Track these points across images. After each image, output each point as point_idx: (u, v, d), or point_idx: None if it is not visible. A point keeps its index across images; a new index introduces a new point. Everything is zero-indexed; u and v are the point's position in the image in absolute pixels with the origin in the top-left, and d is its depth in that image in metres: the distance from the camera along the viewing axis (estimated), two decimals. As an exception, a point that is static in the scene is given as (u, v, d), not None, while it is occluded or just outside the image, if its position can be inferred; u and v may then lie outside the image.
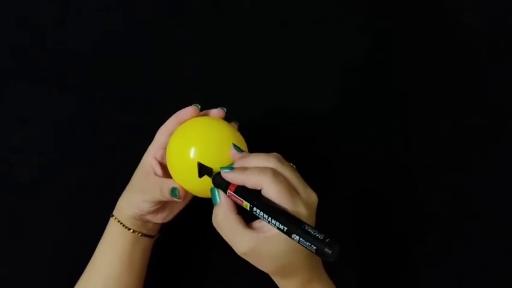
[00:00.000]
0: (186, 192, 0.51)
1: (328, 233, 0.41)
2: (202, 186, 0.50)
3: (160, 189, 0.51)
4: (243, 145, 0.51)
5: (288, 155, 0.48)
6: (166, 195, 0.51)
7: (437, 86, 0.69)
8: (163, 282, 0.63)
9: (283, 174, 0.45)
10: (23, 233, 0.64)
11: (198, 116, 0.53)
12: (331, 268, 0.51)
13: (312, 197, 0.46)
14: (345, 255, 0.53)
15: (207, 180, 0.48)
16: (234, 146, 0.49)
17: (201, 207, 0.52)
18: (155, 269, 0.60)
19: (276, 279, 0.49)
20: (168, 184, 0.51)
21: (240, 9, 0.69)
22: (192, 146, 0.50)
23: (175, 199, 0.51)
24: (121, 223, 0.54)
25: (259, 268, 0.47)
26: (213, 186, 0.47)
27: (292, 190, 0.44)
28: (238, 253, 0.45)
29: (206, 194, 0.49)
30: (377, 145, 0.68)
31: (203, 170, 0.48)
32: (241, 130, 0.53)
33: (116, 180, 0.57)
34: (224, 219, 0.45)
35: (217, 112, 0.53)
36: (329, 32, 0.69)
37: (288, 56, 0.69)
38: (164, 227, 0.58)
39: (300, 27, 0.69)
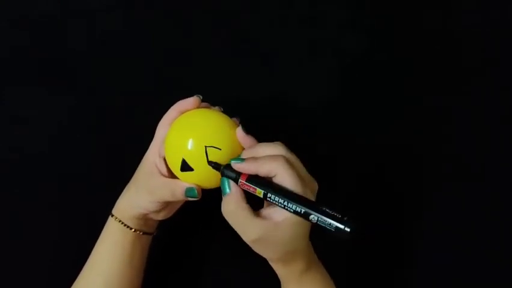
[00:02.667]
0: (201, 187, 0.51)
1: (344, 213, 0.43)
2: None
3: (171, 192, 0.50)
4: (240, 144, 0.50)
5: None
6: (179, 197, 0.50)
7: (436, 85, 0.69)
8: (161, 278, 0.63)
9: (293, 163, 0.46)
10: (23, 233, 0.64)
11: (198, 107, 0.52)
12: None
13: (315, 184, 0.48)
14: (346, 249, 0.53)
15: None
16: (242, 126, 0.49)
17: (196, 203, 0.52)
18: (154, 265, 0.60)
19: (278, 267, 0.50)
20: (181, 186, 0.50)
21: (239, 8, 0.69)
22: (195, 134, 0.49)
23: (193, 199, 0.50)
24: (122, 223, 0.54)
25: (264, 255, 0.48)
26: (221, 176, 0.48)
27: (301, 177, 0.46)
28: (247, 241, 0.46)
29: (209, 181, 0.50)
30: (376, 145, 0.67)
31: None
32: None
33: (117, 180, 0.57)
34: (235, 208, 0.46)
35: (192, 100, 0.52)
36: (328, 31, 0.69)
37: (287, 56, 0.69)
38: (161, 224, 0.58)
39: (299, 26, 0.69)
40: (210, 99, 0.55)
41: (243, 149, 0.50)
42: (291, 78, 0.68)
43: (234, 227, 0.47)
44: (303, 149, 0.64)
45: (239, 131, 0.49)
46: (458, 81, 0.69)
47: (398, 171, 0.68)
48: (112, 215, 0.54)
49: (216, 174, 0.49)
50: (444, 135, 0.68)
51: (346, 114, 0.68)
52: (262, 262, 0.63)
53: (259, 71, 0.68)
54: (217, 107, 0.54)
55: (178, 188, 0.50)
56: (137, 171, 0.54)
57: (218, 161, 0.48)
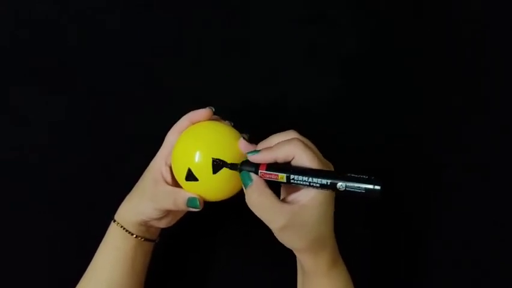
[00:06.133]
0: (204, 198, 0.51)
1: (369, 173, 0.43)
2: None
3: (173, 201, 0.50)
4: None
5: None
6: (181, 207, 0.50)
7: (437, 85, 0.69)
8: (163, 285, 0.63)
9: (308, 144, 0.47)
10: (23, 234, 0.64)
11: (210, 119, 0.52)
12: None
13: (331, 165, 0.48)
14: (353, 245, 0.53)
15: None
16: (244, 138, 0.49)
17: (200, 212, 0.52)
18: (156, 272, 0.60)
19: (306, 259, 0.49)
20: (183, 195, 0.50)
21: (239, 8, 0.69)
22: (204, 145, 0.49)
23: (195, 209, 0.51)
24: (124, 228, 0.53)
25: (291, 245, 0.47)
26: (240, 172, 0.48)
27: (318, 155, 0.47)
28: (276, 228, 0.46)
29: (217, 193, 0.50)
30: (375, 145, 0.67)
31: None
32: (242, 131, 0.53)
33: (116, 180, 0.57)
34: (260, 196, 0.46)
35: (204, 112, 0.52)
36: (328, 31, 0.69)
37: (287, 55, 0.69)
38: (164, 231, 0.58)
39: (299, 26, 0.69)
40: (209, 100, 0.55)
41: None
42: (291, 79, 0.68)
43: (261, 216, 0.46)
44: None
45: (241, 141, 0.49)
46: (459, 82, 0.69)
47: (398, 171, 0.68)
48: (114, 221, 0.54)
49: (219, 187, 0.50)
50: (445, 135, 0.68)
51: (346, 114, 0.68)
52: (265, 267, 0.63)
53: (259, 72, 0.68)
54: (227, 121, 0.54)
55: (181, 198, 0.50)
56: (142, 177, 0.54)
57: (222, 175, 0.49)
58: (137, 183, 0.55)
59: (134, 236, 0.53)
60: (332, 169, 0.48)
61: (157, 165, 0.53)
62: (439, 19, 0.71)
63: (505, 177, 0.67)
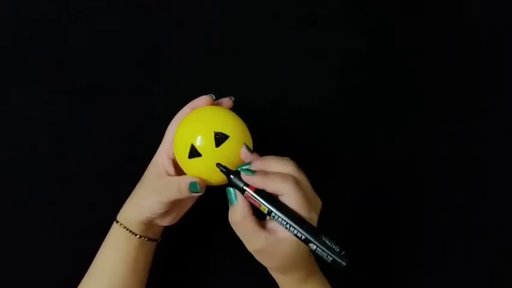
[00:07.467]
0: (204, 182, 0.51)
1: (341, 245, 0.44)
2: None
3: (177, 188, 0.50)
4: (249, 139, 0.51)
5: (289, 154, 0.49)
6: (185, 193, 0.50)
7: (437, 85, 0.69)
8: (164, 283, 0.63)
9: (301, 183, 0.47)
10: (23, 234, 0.64)
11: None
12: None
13: (319, 203, 0.48)
14: (353, 245, 0.53)
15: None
16: (246, 146, 0.49)
17: (202, 211, 0.52)
18: (157, 270, 0.60)
19: (277, 275, 0.51)
20: (185, 181, 0.50)
21: (240, 8, 0.69)
22: (205, 121, 0.50)
23: (196, 194, 0.50)
24: (127, 229, 0.53)
25: (264, 264, 0.49)
26: (228, 182, 0.48)
27: (308, 198, 0.46)
28: (250, 250, 0.48)
29: (216, 170, 0.50)
30: (375, 145, 0.67)
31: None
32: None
33: (117, 180, 0.57)
34: (242, 219, 0.47)
35: (205, 98, 0.53)
36: (328, 31, 0.69)
37: (287, 56, 0.69)
38: (166, 231, 0.58)
39: (299, 27, 0.69)
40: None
41: (250, 138, 0.51)
42: (291, 79, 0.68)
43: (239, 235, 0.48)
44: (304, 150, 0.64)
45: (243, 151, 0.49)
46: (459, 82, 0.69)
47: (398, 171, 0.68)
48: (117, 221, 0.54)
49: (223, 162, 0.49)
50: (445, 135, 0.68)
51: (346, 114, 0.68)
52: (265, 268, 0.63)
53: (259, 72, 0.68)
54: (227, 98, 0.55)
55: (183, 183, 0.50)
56: (144, 175, 0.54)
57: (225, 149, 0.49)
58: (139, 182, 0.55)
59: (138, 236, 0.53)
60: (320, 205, 0.48)
61: (160, 160, 0.53)
62: (439, 19, 0.71)
63: (505, 177, 0.67)
